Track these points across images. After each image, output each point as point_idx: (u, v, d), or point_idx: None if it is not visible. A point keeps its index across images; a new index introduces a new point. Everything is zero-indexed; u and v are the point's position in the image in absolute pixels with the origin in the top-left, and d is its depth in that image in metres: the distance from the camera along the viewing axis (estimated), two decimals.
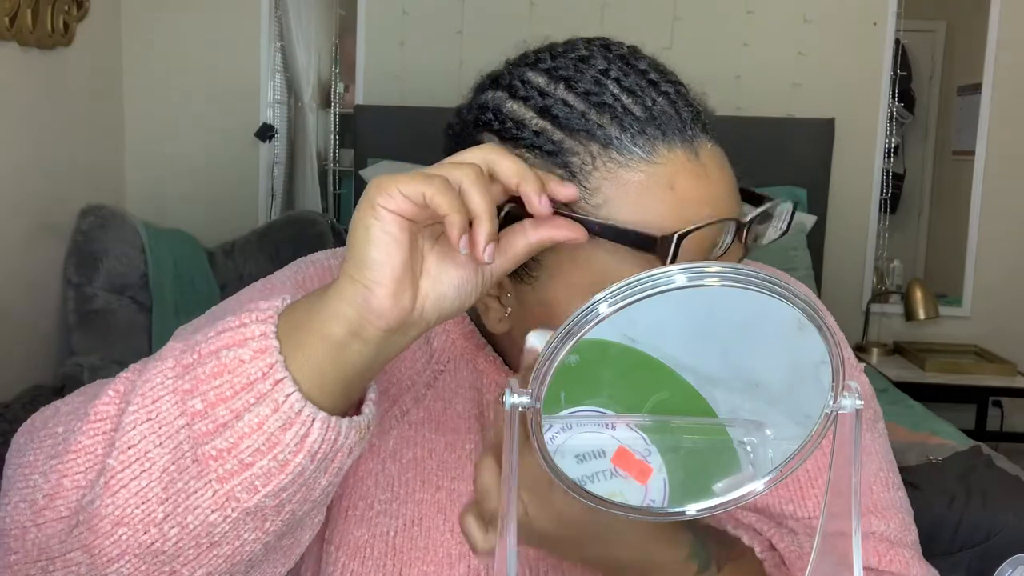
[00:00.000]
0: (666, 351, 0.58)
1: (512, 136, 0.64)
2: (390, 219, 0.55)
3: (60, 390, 2.33)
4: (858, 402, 0.59)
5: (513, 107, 0.65)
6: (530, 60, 0.68)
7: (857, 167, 3.55)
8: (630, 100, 0.64)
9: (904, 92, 3.67)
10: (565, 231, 0.59)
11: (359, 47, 3.55)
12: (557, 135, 0.63)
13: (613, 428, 0.59)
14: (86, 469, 0.60)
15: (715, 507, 0.61)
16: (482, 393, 0.78)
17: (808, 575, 0.63)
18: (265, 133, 3.42)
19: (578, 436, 0.59)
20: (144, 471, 0.57)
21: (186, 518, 0.57)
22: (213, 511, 0.57)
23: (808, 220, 3.35)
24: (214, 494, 0.57)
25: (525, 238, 0.59)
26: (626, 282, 0.54)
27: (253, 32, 3.39)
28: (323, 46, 3.85)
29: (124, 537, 0.58)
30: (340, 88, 3.88)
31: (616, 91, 0.64)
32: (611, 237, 0.61)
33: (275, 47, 3.49)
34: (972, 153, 3.63)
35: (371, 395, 0.62)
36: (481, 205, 0.56)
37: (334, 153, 3.92)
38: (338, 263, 0.79)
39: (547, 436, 0.58)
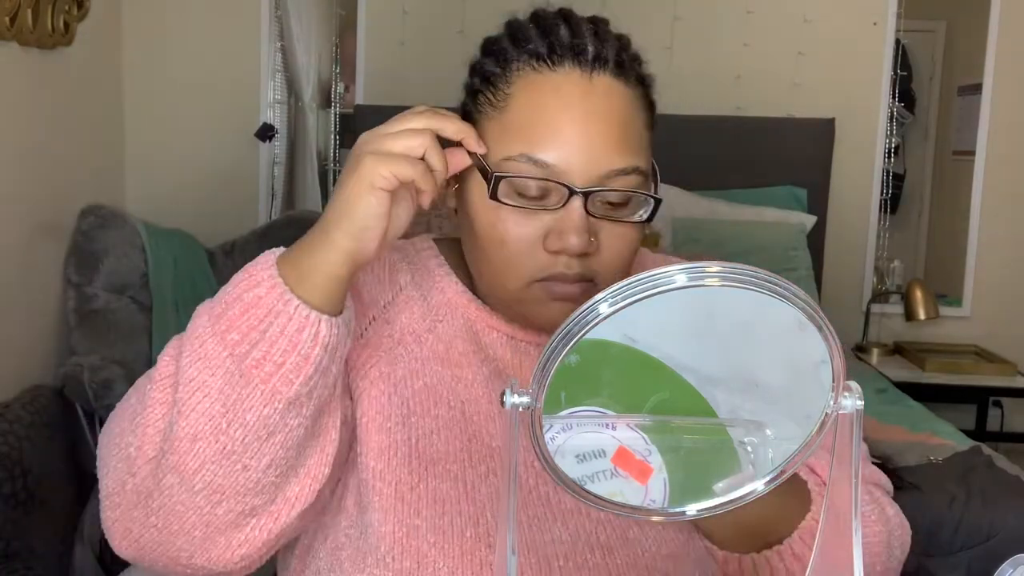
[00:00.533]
0: (666, 351, 0.58)
1: (474, 76, 0.89)
2: (384, 196, 0.75)
3: (60, 390, 2.33)
4: (858, 402, 0.59)
5: (481, 59, 0.90)
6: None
7: (857, 167, 3.55)
8: (566, 33, 0.85)
9: (904, 92, 3.67)
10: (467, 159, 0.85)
11: (359, 47, 3.54)
12: (500, 60, 0.87)
13: (613, 428, 0.59)
14: (163, 415, 0.77)
15: (715, 507, 0.61)
16: (477, 334, 0.92)
17: (808, 575, 0.63)
18: (265, 133, 3.42)
19: (578, 436, 0.59)
20: (205, 396, 0.74)
21: (245, 417, 0.74)
22: (264, 406, 0.74)
23: (808, 220, 3.35)
24: (261, 394, 0.73)
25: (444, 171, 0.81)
26: (626, 282, 0.54)
27: (253, 32, 3.39)
28: (323, 46, 3.84)
29: (201, 449, 0.74)
30: (340, 88, 3.88)
31: (562, 28, 0.85)
32: (477, 164, 0.85)
33: (275, 47, 3.49)
34: (972, 153, 3.63)
35: (348, 302, 0.79)
36: (442, 171, 0.79)
37: (334, 153, 3.91)
38: None
39: (547, 436, 0.58)
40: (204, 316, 0.77)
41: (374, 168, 0.75)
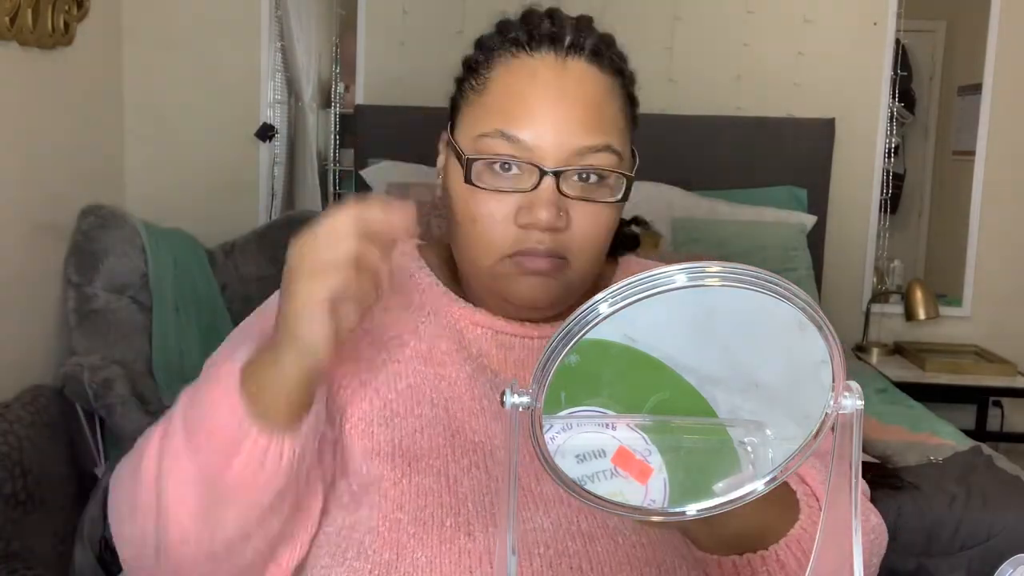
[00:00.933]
0: (666, 351, 0.58)
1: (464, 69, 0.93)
2: (322, 314, 0.73)
3: (60, 390, 2.33)
4: (858, 402, 0.59)
5: (470, 52, 0.94)
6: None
7: (857, 167, 3.55)
8: (547, 23, 0.90)
9: (904, 92, 3.67)
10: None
11: (359, 47, 3.54)
12: (484, 49, 0.91)
13: (613, 428, 0.59)
14: (152, 521, 0.80)
15: (715, 507, 0.61)
16: (461, 332, 0.93)
17: (808, 575, 0.63)
18: (265, 133, 3.42)
19: (578, 436, 0.59)
20: (185, 509, 0.78)
21: (225, 527, 0.78)
22: (240, 517, 0.78)
23: (808, 220, 3.35)
24: (236, 507, 0.78)
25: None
26: (626, 282, 0.54)
27: (253, 32, 3.39)
28: (323, 46, 3.84)
29: (190, 551, 0.79)
30: (340, 88, 3.88)
31: (544, 20, 0.90)
32: (458, 151, 0.89)
33: (275, 47, 3.49)
34: (972, 153, 3.63)
35: (318, 394, 0.81)
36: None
37: (334, 153, 3.91)
38: None
39: (547, 436, 0.58)
40: (179, 422, 0.79)
41: (308, 290, 0.73)
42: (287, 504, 0.80)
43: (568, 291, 0.91)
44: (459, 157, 0.89)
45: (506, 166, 0.87)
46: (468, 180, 0.87)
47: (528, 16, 0.92)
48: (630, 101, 0.93)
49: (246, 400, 0.76)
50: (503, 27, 0.92)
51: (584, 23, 0.91)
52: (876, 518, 0.91)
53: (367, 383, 0.90)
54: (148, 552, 0.81)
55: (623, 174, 0.88)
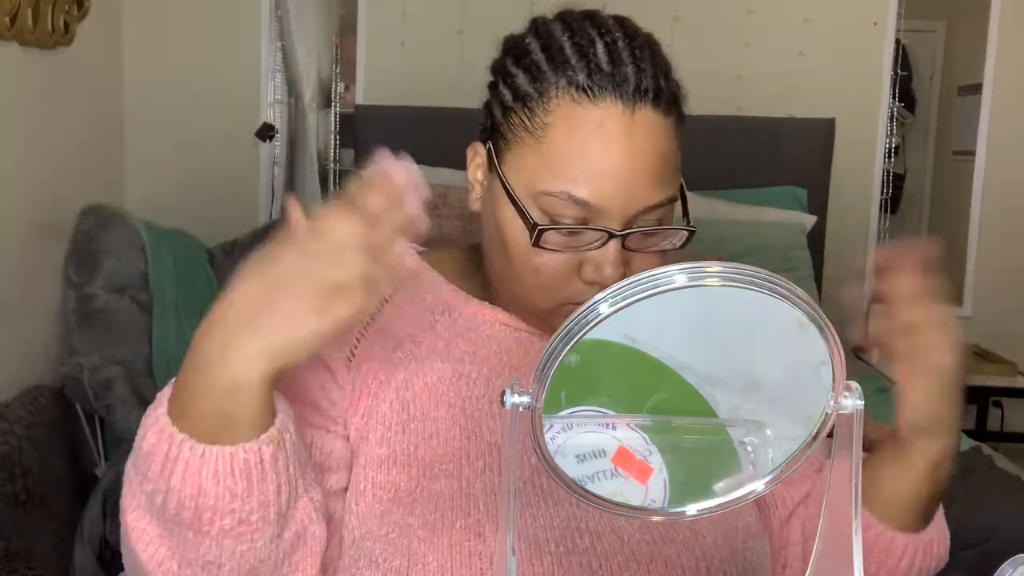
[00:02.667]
0: (666, 351, 0.58)
1: (503, 86, 0.87)
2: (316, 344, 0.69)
3: (60, 390, 2.33)
4: (858, 402, 0.59)
5: (511, 67, 0.87)
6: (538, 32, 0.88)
7: (857, 167, 3.55)
8: (605, 58, 0.82)
9: (904, 92, 3.67)
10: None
11: (359, 47, 3.54)
12: (537, 81, 0.84)
13: (613, 428, 0.59)
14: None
15: (715, 507, 0.61)
16: (478, 330, 0.92)
17: (808, 575, 0.63)
18: (265, 133, 3.42)
19: (579, 436, 0.59)
20: (154, 546, 0.73)
21: (189, 557, 0.72)
22: (198, 547, 0.72)
23: (808, 220, 3.35)
24: (194, 535, 0.72)
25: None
26: (626, 282, 0.54)
27: (253, 32, 3.38)
28: (323, 46, 3.84)
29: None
30: (340, 88, 3.87)
31: (599, 49, 0.83)
32: (518, 201, 0.84)
33: (275, 47, 3.49)
34: (972, 153, 3.63)
35: (280, 406, 0.74)
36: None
37: (334, 153, 3.91)
38: None
39: (547, 436, 0.58)
40: (131, 456, 0.75)
41: (312, 308, 0.67)
42: (256, 530, 0.73)
43: None
44: (521, 211, 0.84)
45: (574, 230, 0.83)
46: (536, 245, 0.83)
47: (575, 34, 0.85)
48: (682, 121, 0.89)
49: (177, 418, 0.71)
50: (550, 47, 0.85)
51: (637, 44, 0.86)
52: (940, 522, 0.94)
53: (385, 384, 0.87)
54: None
55: (688, 229, 0.86)
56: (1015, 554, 0.65)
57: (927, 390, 0.78)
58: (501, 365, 0.90)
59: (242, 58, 3.39)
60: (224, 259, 2.97)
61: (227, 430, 0.70)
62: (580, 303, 0.82)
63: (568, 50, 0.83)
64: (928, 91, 4.29)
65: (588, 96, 0.81)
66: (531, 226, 0.82)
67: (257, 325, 0.68)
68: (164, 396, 0.73)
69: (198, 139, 3.34)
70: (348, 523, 0.85)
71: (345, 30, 3.75)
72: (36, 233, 2.53)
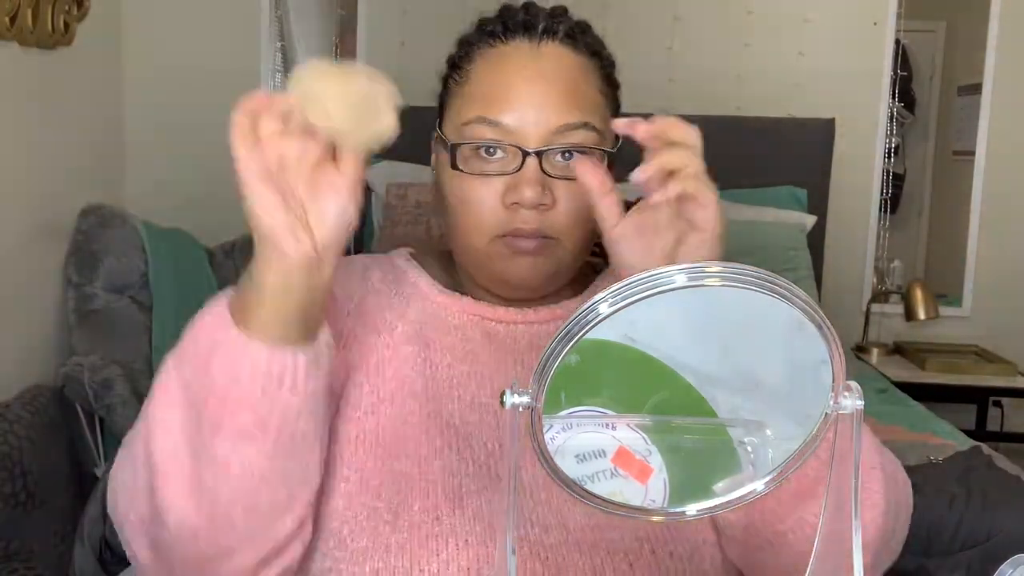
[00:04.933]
0: (666, 351, 0.58)
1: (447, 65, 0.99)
2: (270, 189, 0.72)
3: (60, 390, 2.33)
4: (858, 402, 0.59)
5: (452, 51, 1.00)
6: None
7: (857, 167, 3.55)
8: (521, 12, 0.95)
9: (904, 92, 3.66)
10: None
11: (359, 47, 3.54)
12: (463, 46, 0.97)
13: (613, 428, 0.59)
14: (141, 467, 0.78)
15: (715, 507, 0.61)
16: (446, 319, 0.96)
17: (808, 575, 0.63)
18: None
19: (578, 436, 0.59)
20: (169, 433, 0.75)
21: (212, 452, 0.74)
22: (214, 436, 0.74)
23: (808, 220, 3.35)
24: (211, 426, 0.74)
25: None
26: (626, 282, 0.54)
27: (253, 32, 3.39)
28: (323, 46, 3.84)
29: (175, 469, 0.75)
30: None
31: (519, 10, 0.95)
32: (444, 140, 0.94)
33: (275, 47, 3.49)
34: (972, 153, 3.62)
35: (323, 331, 0.78)
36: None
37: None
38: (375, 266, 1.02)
39: (547, 436, 0.58)
40: (170, 360, 0.78)
41: (244, 180, 0.76)
42: (272, 441, 0.75)
43: (559, 269, 0.94)
44: (446, 146, 0.93)
45: (491, 150, 0.91)
46: (455, 166, 0.91)
47: (504, 10, 0.97)
48: (609, 83, 0.96)
49: (230, 314, 0.74)
50: (481, 23, 0.98)
51: (558, 11, 0.96)
52: (901, 475, 0.96)
53: (358, 367, 0.92)
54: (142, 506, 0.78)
55: (604, 150, 0.92)
56: (1015, 554, 0.65)
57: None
58: (465, 352, 0.94)
59: (242, 58, 3.38)
60: (224, 259, 2.97)
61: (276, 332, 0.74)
62: (508, 234, 0.89)
63: (493, 18, 0.97)
64: (928, 91, 4.29)
65: (501, 40, 0.94)
66: (448, 147, 0.92)
67: (257, 250, 0.75)
68: (226, 294, 0.77)
69: (198, 139, 3.33)
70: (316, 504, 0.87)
71: (345, 30, 3.75)
72: (36, 233, 2.53)
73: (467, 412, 0.91)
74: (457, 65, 0.97)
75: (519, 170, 0.89)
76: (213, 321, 0.75)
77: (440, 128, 0.98)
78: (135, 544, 0.81)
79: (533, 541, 0.84)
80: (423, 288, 1.00)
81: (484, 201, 0.91)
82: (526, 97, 0.90)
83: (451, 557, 0.82)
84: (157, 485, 0.76)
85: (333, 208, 0.74)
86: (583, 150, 0.91)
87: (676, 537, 0.87)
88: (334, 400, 0.89)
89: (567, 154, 0.91)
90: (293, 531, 0.80)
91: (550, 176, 0.90)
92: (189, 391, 0.75)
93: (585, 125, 0.91)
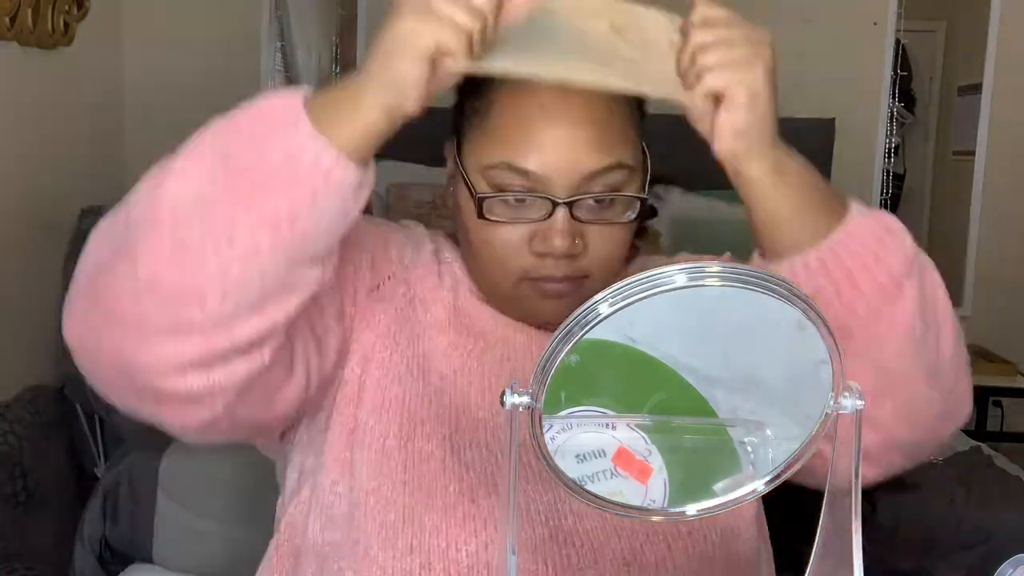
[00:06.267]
0: (666, 351, 0.58)
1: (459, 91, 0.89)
2: (422, 64, 0.70)
3: (60, 390, 2.33)
4: (858, 402, 0.59)
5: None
6: None
7: (857, 167, 3.55)
8: None
9: (904, 92, 3.67)
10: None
11: (359, 47, 3.54)
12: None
13: (613, 428, 0.59)
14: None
15: (715, 507, 0.61)
16: (479, 317, 0.92)
17: (808, 575, 0.63)
18: None
19: (578, 436, 0.59)
20: (182, 182, 0.75)
21: (213, 215, 0.72)
22: (234, 207, 0.73)
23: None
24: (234, 195, 0.73)
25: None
26: (626, 282, 0.54)
27: (253, 32, 3.39)
28: (323, 46, 3.84)
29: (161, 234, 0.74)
30: None
31: None
32: (468, 180, 0.87)
33: (275, 47, 3.49)
34: (972, 153, 3.63)
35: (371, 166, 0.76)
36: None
37: None
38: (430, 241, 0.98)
39: (547, 436, 0.58)
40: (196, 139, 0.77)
41: (414, 31, 0.70)
42: (286, 237, 0.72)
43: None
44: (468, 187, 0.87)
45: (518, 197, 0.85)
46: (481, 215, 0.85)
47: None
48: (638, 105, 0.90)
49: (307, 114, 0.72)
50: None
51: None
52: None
53: (393, 334, 0.90)
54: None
55: (636, 196, 0.87)
56: (1015, 554, 0.65)
57: (733, 119, 0.75)
58: (496, 343, 0.92)
59: (242, 58, 3.38)
60: None
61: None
62: (536, 279, 0.86)
63: None
64: (928, 91, 4.29)
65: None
66: (474, 197, 0.85)
67: (376, 79, 0.72)
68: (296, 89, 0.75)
69: None
70: (335, 469, 0.87)
71: (345, 30, 3.75)
72: (36, 233, 2.53)
73: (496, 404, 0.89)
74: (475, 88, 0.87)
75: (548, 218, 0.84)
76: (284, 105, 0.73)
77: (459, 155, 0.90)
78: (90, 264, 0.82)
79: (568, 530, 0.84)
80: (458, 276, 0.96)
81: (511, 246, 0.86)
82: (553, 142, 0.83)
83: (490, 539, 0.82)
84: (144, 229, 0.75)
85: (439, 87, 0.74)
86: (615, 196, 0.86)
87: (712, 519, 0.86)
88: (351, 277, 0.89)
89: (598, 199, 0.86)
90: (253, 337, 0.75)
91: (581, 222, 0.85)
92: (226, 161, 0.73)
93: (618, 166, 0.85)
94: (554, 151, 0.83)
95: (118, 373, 0.79)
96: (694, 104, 0.75)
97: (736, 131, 0.75)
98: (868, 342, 0.76)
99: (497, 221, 0.85)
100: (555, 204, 0.83)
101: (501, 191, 0.85)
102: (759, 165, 0.77)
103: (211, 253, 0.72)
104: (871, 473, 0.78)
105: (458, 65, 0.71)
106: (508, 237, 0.86)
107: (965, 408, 0.87)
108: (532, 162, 0.83)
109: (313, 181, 0.72)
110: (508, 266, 0.87)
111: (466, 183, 0.87)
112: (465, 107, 0.89)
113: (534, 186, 0.84)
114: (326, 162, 0.71)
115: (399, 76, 0.71)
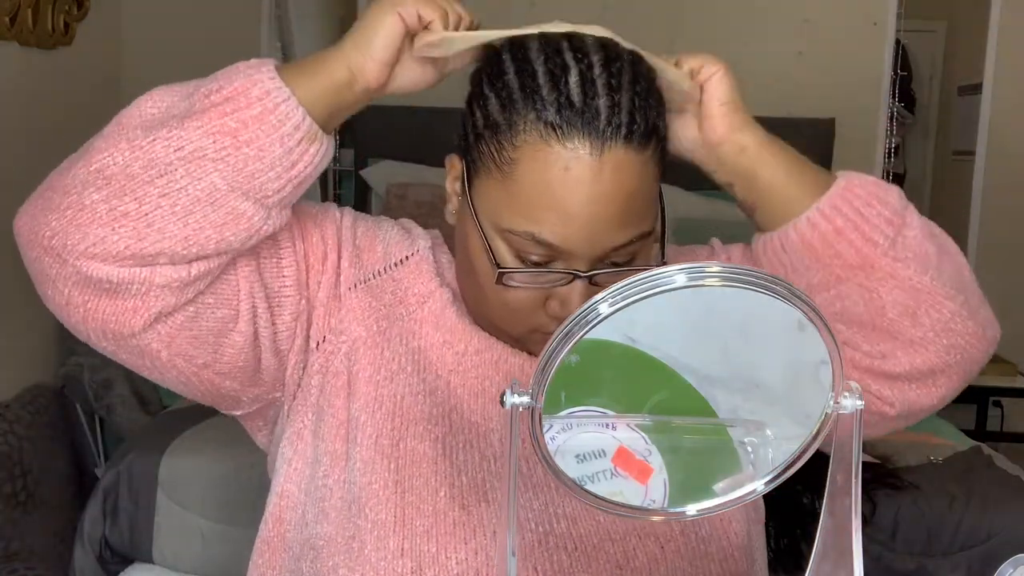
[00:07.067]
0: (666, 351, 0.58)
1: (473, 107, 0.86)
2: (401, 28, 0.81)
3: (60, 390, 2.33)
4: (858, 402, 0.59)
5: (486, 90, 0.84)
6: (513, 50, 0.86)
7: (857, 167, 3.51)
8: (577, 90, 0.79)
9: (904, 92, 3.67)
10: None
11: None
12: (507, 110, 0.81)
13: (613, 428, 0.59)
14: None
15: (715, 507, 0.61)
16: (460, 317, 0.93)
17: (808, 575, 0.63)
18: None
19: (578, 436, 0.59)
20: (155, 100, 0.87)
21: (181, 137, 0.80)
22: (196, 130, 0.80)
23: None
24: (200, 122, 0.80)
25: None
26: (626, 282, 0.54)
27: (253, 32, 3.39)
28: (323, 46, 3.85)
29: (123, 134, 0.82)
30: None
31: (572, 80, 0.80)
32: (484, 234, 0.84)
33: (275, 47, 3.49)
34: (972, 153, 3.63)
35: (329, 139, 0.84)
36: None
37: (334, 152, 3.92)
38: (424, 241, 0.98)
39: (547, 436, 0.58)
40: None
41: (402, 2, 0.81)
42: (234, 174, 0.78)
43: None
44: (484, 241, 0.84)
45: (537, 263, 0.83)
46: (499, 282, 0.83)
47: (549, 59, 0.81)
48: (663, 155, 0.85)
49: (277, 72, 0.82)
50: (522, 71, 0.82)
51: (614, 71, 0.81)
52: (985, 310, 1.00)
53: (383, 331, 0.91)
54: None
55: (657, 267, 0.84)
56: (1015, 554, 0.65)
57: (717, 92, 0.91)
58: (491, 345, 0.91)
59: (242, 58, 3.37)
60: None
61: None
62: (548, 333, 0.79)
63: (541, 78, 0.80)
64: (928, 91, 4.29)
65: (556, 135, 0.78)
66: (495, 266, 0.83)
67: (350, 36, 0.84)
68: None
69: None
70: (328, 463, 0.88)
71: (345, 30, 3.75)
72: None
73: (488, 407, 0.90)
74: (496, 135, 0.82)
75: (567, 285, 0.82)
76: (256, 61, 0.83)
77: (470, 190, 0.86)
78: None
79: (560, 534, 0.84)
80: (452, 275, 0.95)
81: (526, 306, 0.84)
82: (582, 220, 0.79)
83: (480, 546, 0.82)
84: (105, 135, 0.83)
85: (411, 80, 0.85)
86: (634, 263, 0.84)
87: (702, 518, 0.87)
88: (312, 266, 0.91)
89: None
90: (180, 250, 0.79)
91: (599, 286, 0.81)
92: (195, 90, 0.83)
93: (641, 236, 0.83)
94: (580, 227, 0.80)
95: (55, 259, 0.86)
96: (680, 78, 0.86)
97: (721, 101, 0.89)
98: (892, 267, 0.86)
99: (518, 287, 0.84)
100: (576, 275, 0.81)
101: (519, 255, 0.82)
102: (752, 135, 0.91)
103: (160, 149, 0.79)
104: (931, 394, 0.99)
105: (434, 36, 0.80)
106: (526, 299, 0.84)
107: (993, 330, 1.00)
108: (556, 236, 0.80)
109: (263, 104, 0.79)
110: (520, 320, 0.86)
111: (481, 234, 0.84)
112: (482, 146, 0.83)
113: (555, 256, 0.82)
114: (277, 96, 0.79)
115: (370, 27, 0.81)
